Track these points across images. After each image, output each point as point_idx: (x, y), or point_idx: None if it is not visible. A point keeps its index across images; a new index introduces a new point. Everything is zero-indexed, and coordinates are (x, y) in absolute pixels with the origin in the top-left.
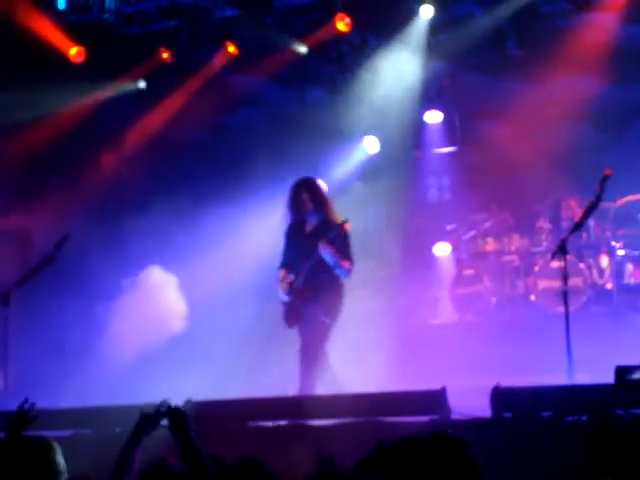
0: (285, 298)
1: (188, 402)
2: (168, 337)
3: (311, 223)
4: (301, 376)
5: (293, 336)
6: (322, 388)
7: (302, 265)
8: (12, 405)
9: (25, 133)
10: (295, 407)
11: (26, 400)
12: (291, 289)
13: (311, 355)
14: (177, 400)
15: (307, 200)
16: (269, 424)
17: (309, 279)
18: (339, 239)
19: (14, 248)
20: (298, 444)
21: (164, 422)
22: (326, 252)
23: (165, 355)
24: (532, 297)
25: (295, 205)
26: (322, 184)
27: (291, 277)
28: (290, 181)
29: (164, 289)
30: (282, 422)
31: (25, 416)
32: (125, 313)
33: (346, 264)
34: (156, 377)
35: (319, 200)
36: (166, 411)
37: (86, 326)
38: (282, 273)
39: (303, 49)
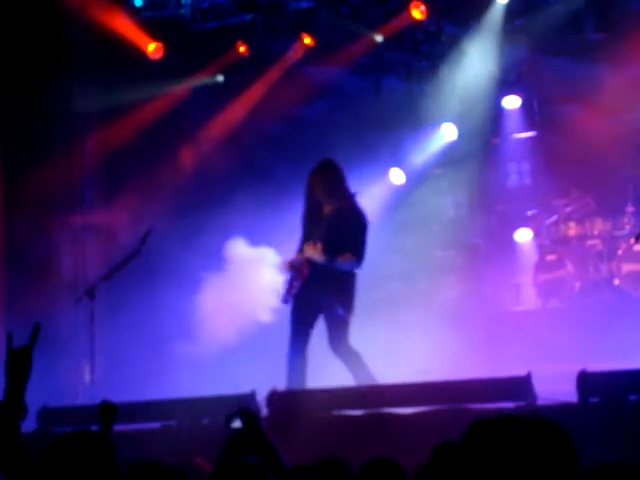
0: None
1: (272, 392)
2: (257, 324)
3: (327, 206)
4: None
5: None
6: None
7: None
8: (99, 398)
9: (105, 131)
10: (379, 395)
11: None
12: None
13: (345, 346)
14: (261, 390)
15: (320, 186)
16: (352, 413)
17: (322, 269)
18: (351, 225)
19: (99, 243)
20: (382, 433)
21: (237, 423)
22: (314, 255)
23: (252, 343)
24: (616, 281)
25: (308, 190)
26: (338, 166)
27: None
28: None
29: (253, 265)
30: (365, 411)
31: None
32: (210, 301)
33: (346, 257)
34: (242, 366)
35: (333, 184)
36: (237, 413)
37: (170, 318)
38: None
39: (379, 38)
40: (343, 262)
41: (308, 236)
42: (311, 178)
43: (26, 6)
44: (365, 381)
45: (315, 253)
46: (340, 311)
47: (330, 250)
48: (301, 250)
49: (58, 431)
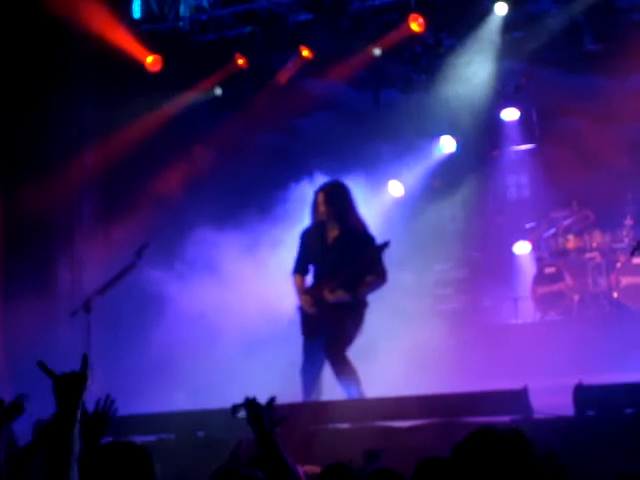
0: (310, 310)
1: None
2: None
3: (332, 231)
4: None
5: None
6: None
7: (325, 280)
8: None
9: (104, 144)
10: (375, 409)
11: (107, 401)
12: (316, 301)
13: (342, 359)
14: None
15: (325, 204)
16: (347, 426)
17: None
18: (362, 246)
19: (96, 256)
20: (378, 446)
21: (242, 414)
22: (337, 299)
23: (251, 354)
24: (615, 294)
25: (313, 208)
26: (347, 189)
27: (310, 286)
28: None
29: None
30: (363, 424)
31: (104, 419)
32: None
33: (368, 282)
34: (241, 379)
35: (340, 206)
36: (244, 403)
37: (167, 331)
38: (298, 280)
39: (377, 51)
40: (368, 289)
41: (310, 260)
42: (319, 195)
43: (24, 19)
44: (358, 396)
45: (338, 297)
46: (348, 327)
47: (349, 282)
48: (298, 272)
49: None
